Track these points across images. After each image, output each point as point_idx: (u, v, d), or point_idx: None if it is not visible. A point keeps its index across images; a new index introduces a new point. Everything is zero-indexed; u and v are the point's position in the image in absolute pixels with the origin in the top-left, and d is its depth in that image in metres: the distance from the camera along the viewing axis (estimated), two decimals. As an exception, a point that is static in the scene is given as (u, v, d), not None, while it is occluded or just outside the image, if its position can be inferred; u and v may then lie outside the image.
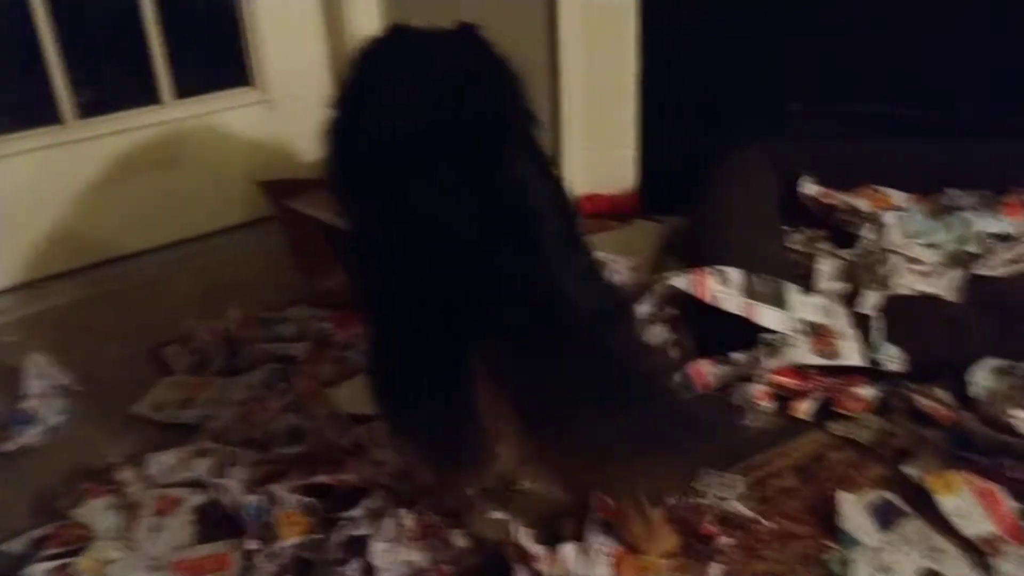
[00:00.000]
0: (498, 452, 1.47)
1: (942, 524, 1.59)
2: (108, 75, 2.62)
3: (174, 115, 2.59)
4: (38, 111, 2.44)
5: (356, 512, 1.61)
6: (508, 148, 1.43)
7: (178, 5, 2.53)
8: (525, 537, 1.56)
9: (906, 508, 1.63)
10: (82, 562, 1.56)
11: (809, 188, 2.46)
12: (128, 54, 2.56)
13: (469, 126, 1.45)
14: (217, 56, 2.71)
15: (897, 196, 2.42)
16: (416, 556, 1.55)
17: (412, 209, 1.37)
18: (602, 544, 1.56)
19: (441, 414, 1.39)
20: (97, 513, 1.67)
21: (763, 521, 1.61)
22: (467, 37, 1.77)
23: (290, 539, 1.58)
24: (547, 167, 1.55)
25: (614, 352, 1.37)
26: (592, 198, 2.72)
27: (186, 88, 2.59)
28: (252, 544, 1.58)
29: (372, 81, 1.67)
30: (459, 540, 1.58)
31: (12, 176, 2.42)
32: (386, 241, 1.42)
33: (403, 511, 1.60)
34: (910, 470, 1.71)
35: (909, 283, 2.08)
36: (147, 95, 2.56)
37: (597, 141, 2.70)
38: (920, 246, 2.21)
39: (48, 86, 2.42)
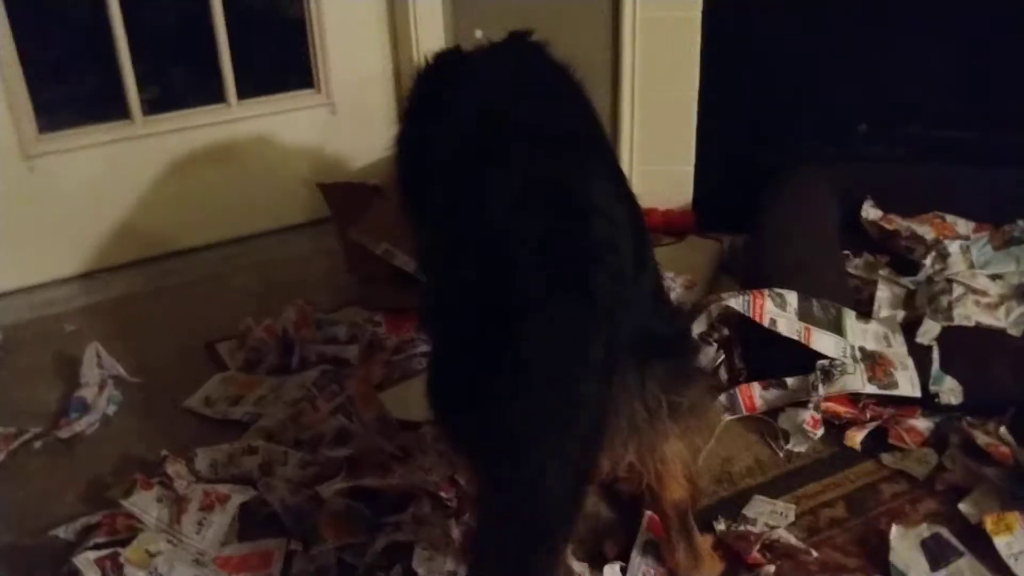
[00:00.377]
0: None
1: (997, 565, 1.55)
2: (175, 73, 2.68)
3: (237, 115, 2.63)
4: (107, 106, 2.50)
5: (402, 518, 1.62)
6: (585, 168, 1.40)
7: (246, 7, 2.57)
8: (569, 556, 1.55)
9: (960, 546, 1.59)
10: (129, 552, 1.58)
11: (871, 212, 2.42)
12: (195, 53, 2.61)
13: (547, 141, 1.42)
14: (282, 58, 2.76)
15: (963, 224, 2.36)
16: (459, 566, 1.55)
17: (487, 224, 1.34)
18: (647, 566, 1.55)
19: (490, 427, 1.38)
20: (146, 504, 1.69)
21: (812, 552, 1.58)
22: (523, 47, 1.76)
23: (334, 541, 1.59)
24: (623, 184, 1.51)
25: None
26: (648, 212, 2.70)
27: (250, 88, 2.63)
28: (295, 544, 1.59)
29: (442, 94, 1.66)
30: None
31: (80, 169, 2.48)
32: (457, 253, 1.40)
33: (449, 520, 1.60)
34: (966, 508, 1.67)
35: (971, 315, 2.03)
36: (212, 94, 2.60)
37: (655, 155, 2.68)
38: (985, 277, 2.16)
39: (118, 82, 2.47)
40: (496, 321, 1.27)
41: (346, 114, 2.72)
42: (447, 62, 1.78)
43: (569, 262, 1.27)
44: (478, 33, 2.52)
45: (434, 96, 1.67)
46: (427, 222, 1.53)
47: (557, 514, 1.20)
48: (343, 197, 2.52)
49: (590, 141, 1.53)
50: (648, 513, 1.62)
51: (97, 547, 1.60)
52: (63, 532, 1.66)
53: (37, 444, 1.93)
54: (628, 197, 1.47)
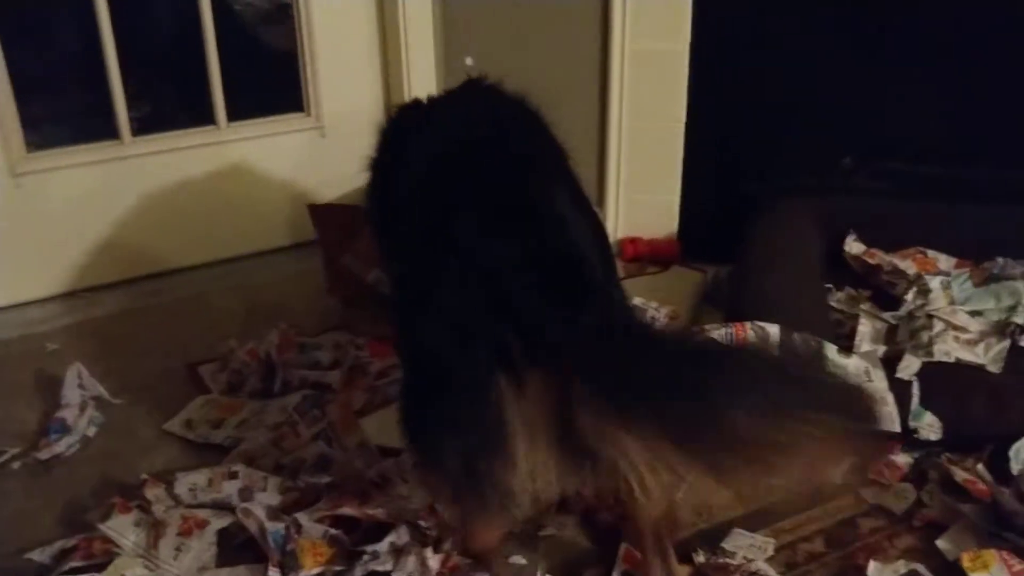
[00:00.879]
0: (526, 492, 1.46)
1: (973, 603, 1.55)
2: (165, 94, 2.69)
3: (227, 136, 2.64)
4: (96, 126, 2.51)
5: (379, 547, 1.61)
6: (543, 184, 1.45)
7: (238, 29, 2.58)
8: (544, 583, 1.55)
9: (936, 583, 1.59)
10: (105, 577, 1.57)
11: (854, 246, 2.44)
12: (186, 75, 2.62)
13: (505, 165, 1.47)
14: (272, 81, 2.77)
15: (944, 260, 2.38)
16: (435, 596, 1.55)
17: (452, 248, 1.38)
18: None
19: (473, 450, 1.38)
20: (124, 528, 1.68)
21: (789, 587, 1.59)
22: (479, 87, 1.81)
23: (312, 569, 1.59)
24: (583, 201, 1.56)
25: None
26: (634, 241, 2.72)
27: (240, 110, 2.64)
28: (274, 571, 1.58)
29: (407, 132, 1.71)
30: (482, 584, 1.57)
31: (67, 187, 2.48)
32: (425, 274, 1.43)
33: (427, 550, 1.60)
34: (944, 544, 1.67)
35: (951, 351, 2.04)
36: (202, 115, 2.61)
37: (642, 185, 2.70)
38: (965, 313, 2.17)
39: (107, 102, 2.48)
40: (493, 344, 1.29)
41: (336, 138, 2.73)
42: (406, 110, 1.83)
43: (559, 277, 1.31)
44: (468, 60, 2.54)
45: (395, 142, 1.71)
46: (397, 257, 1.56)
47: None
48: (331, 220, 2.52)
49: (545, 162, 1.56)
50: (624, 545, 1.63)
51: (73, 572, 1.59)
52: (39, 555, 1.65)
53: (16, 464, 1.92)
54: (590, 213, 1.52)
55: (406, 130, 1.75)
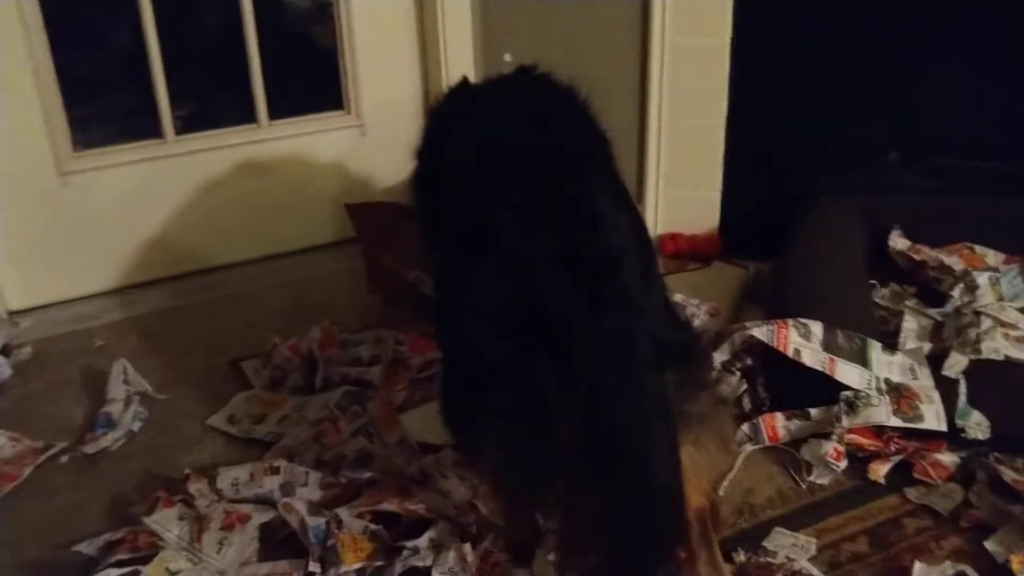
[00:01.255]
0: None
1: (1022, 606, 1.53)
2: (208, 93, 2.72)
3: (269, 135, 2.66)
4: (141, 125, 2.54)
5: (420, 542, 1.62)
6: (586, 181, 1.44)
7: (280, 29, 2.61)
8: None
9: (984, 585, 1.57)
10: (150, 570, 1.59)
11: (899, 242, 2.40)
12: (228, 74, 2.64)
13: (548, 160, 1.46)
14: (313, 80, 2.78)
15: (993, 256, 2.34)
16: (477, 593, 1.55)
17: (494, 242, 1.38)
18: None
19: (515, 440, 1.39)
20: (168, 522, 1.70)
21: (833, 585, 1.57)
22: (528, 76, 1.80)
23: (352, 564, 1.59)
24: (625, 197, 1.55)
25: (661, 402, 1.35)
26: (674, 237, 2.71)
27: (281, 109, 2.66)
28: (315, 566, 1.60)
29: (454, 121, 1.70)
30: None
31: (112, 186, 2.52)
32: (465, 269, 1.44)
33: (466, 545, 1.60)
34: (992, 546, 1.64)
35: (1000, 348, 2.00)
36: (244, 114, 2.63)
37: (682, 181, 2.68)
38: (1015, 310, 2.13)
39: (152, 101, 2.51)
40: (525, 340, 1.31)
41: (376, 136, 2.74)
42: (454, 97, 1.82)
43: (589, 276, 1.31)
44: (507, 57, 2.54)
45: (442, 130, 1.71)
46: (441, 250, 1.56)
47: (675, 506, 1.32)
48: (369, 219, 2.54)
49: (590, 157, 1.55)
50: None
51: (119, 564, 1.62)
52: (86, 547, 1.68)
53: (63, 458, 1.95)
54: (631, 209, 1.50)
55: (453, 118, 1.74)
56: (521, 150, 1.49)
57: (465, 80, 1.90)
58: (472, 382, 1.44)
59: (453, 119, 1.74)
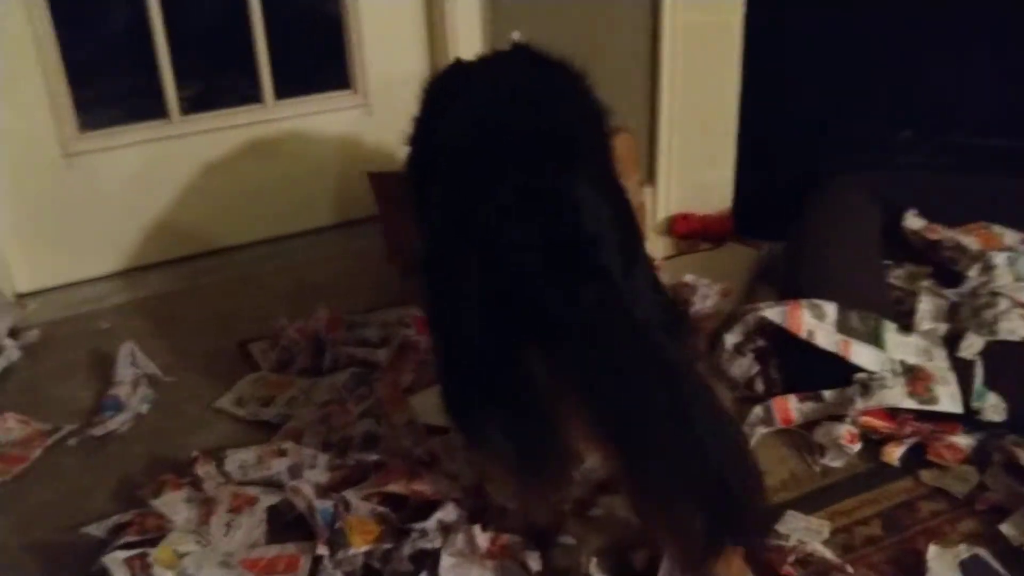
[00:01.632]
0: (579, 462, 1.47)
1: (1039, 589, 1.51)
2: (214, 73, 2.70)
3: (274, 115, 2.64)
4: (146, 105, 2.52)
5: (428, 525, 1.60)
6: (568, 165, 1.43)
7: (285, 7, 2.58)
8: (595, 567, 1.53)
9: (1000, 569, 1.55)
10: (158, 552, 1.58)
11: (913, 222, 2.37)
12: (233, 54, 2.62)
13: (533, 144, 1.46)
14: (319, 59, 2.76)
15: (1010, 235, 2.30)
16: (486, 575, 1.53)
17: (477, 224, 1.39)
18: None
19: (515, 423, 1.39)
20: (176, 505, 1.70)
21: (848, 568, 1.54)
22: (523, 52, 1.78)
23: (360, 547, 1.58)
24: (608, 178, 1.54)
25: (674, 364, 1.36)
26: (686, 218, 2.68)
27: (287, 88, 2.64)
28: (322, 549, 1.59)
29: (444, 100, 1.70)
30: (533, 563, 1.55)
31: (118, 167, 2.50)
32: (451, 254, 1.44)
33: (475, 527, 1.59)
34: (1008, 529, 1.62)
35: (1017, 329, 1.98)
36: (250, 94, 2.61)
37: (694, 161, 2.65)
38: (1031, 290, 2.10)
39: (157, 82, 2.49)
40: (510, 327, 1.33)
41: (382, 115, 2.72)
42: (446, 75, 1.81)
43: (566, 259, 1.33)
44: (515, 35, 2.50)
45: (431, 114, 1.70)
46: (427, 231, 1.56)
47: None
48: (390, 188, 2.49)
49: (572, 140, 1.53)
50: None
51: (127, 546, 1.61)
52: (94, 529, 1.67)
53: (71, 441, 1.95)
54: (614, 191, 1.50)
55: (443, 97, 1.73)
56: (506, 135, 1.49)
57: (457, 61, 1.89)
58: (465, 370, 1.45)
59: (441, 102, 1.73)
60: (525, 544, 1.57)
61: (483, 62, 1.89)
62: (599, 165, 1.55)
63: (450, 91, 1.76)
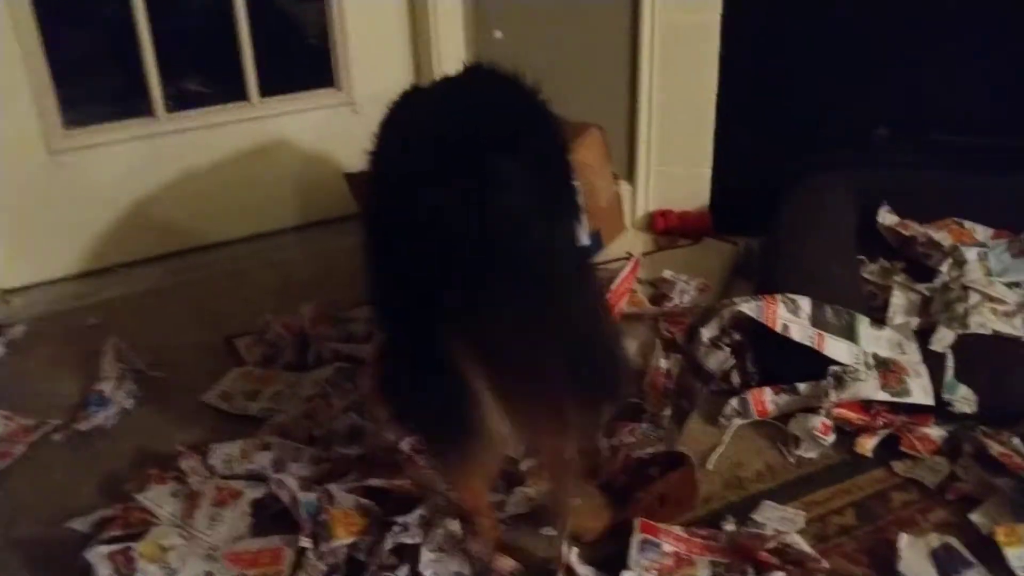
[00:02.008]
0: (494, 433, 1.46)
1: (1007, 577, 1.54)
2: (199, 71, 2.70)
3: (260, 112, 2.65)
4: (132, 103, 2.53)
5: (409, 519, 1.63)
6: (496, 147, 1.44)
7: (270, 6, 2.59)
8: (575, 557, 1.56)
9: (971, 558, 1.58)
10: (142, 547, 1.59)
11: (887, 217, 2.41)
12: (219, 52, 2.63)
13: (466, 132, 1.49)
14: (304, 57, 2.77)
15: (981, 231, 2.35)
16: (466, 567, 1.56)
17: (412, 217, 1.40)
18: (647, 561, 1.56)
19: (433, 401, 1.42)
20: (160, 499, 1.71)
21: (822, 561, 1.57)
22: (477, 70, 1.82)
23: (344, 538, 1.60)
24: (552, 167, 1.57)
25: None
26: (664, 214, 2.71)
27: (273, 87, 2.65)
28: (306, 541, 1.61)
29: (391, 118, 1.76)
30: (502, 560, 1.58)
31: (103, 164, 2.51)
32: (386, 243, 1.49)
33: (455, 522, 1.61)
34: (978, 518, 1.66)
35: (988, 322, 2.02)
36: (235, 92, 2.62)
37: (673, 157, 2.68)
38: (1002, 285, 2.14)
39: (142, 79, 2.50)
40: (428, 293, 1.36)
41: (368, 113, 2.72)
42: (400, 98, 1.85)
43: (484, 224, 1.33)
44: (497, 34, 2.53)
45: (381, 135, 1.74)
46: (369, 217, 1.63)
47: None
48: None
49: (516, 134, 1.53)
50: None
51: (112, 540, 1.63)
52: (79, 524, 1.69)
53: (57, 436, 1.96)
54: (554, 181, 1.55)
55: (394, 114, 1.78)
56: (441, 131, 1.53)
57: (414, 87, 1.93)
58: (393, 353, 1.51)
59: (391, 118, 1.77)
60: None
61: (435, 83, 1.93)
62: (539, 156, 1.54)
63: (400, 108, 1.79)
